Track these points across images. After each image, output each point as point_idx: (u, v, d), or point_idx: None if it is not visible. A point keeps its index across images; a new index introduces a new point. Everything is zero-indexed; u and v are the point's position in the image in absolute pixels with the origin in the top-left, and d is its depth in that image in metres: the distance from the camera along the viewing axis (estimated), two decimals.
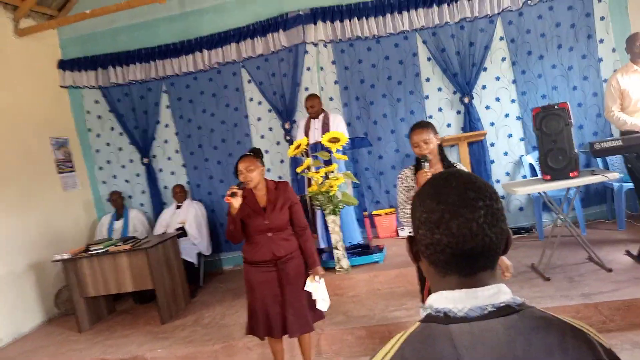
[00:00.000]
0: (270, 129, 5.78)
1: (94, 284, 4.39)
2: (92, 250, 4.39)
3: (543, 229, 4.86)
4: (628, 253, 3.82)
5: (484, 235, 0.79)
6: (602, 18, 4.90)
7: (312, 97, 4.90)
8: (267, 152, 5.73)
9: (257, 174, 2.90)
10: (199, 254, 5.34)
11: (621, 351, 2.80)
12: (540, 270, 3.83)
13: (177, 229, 5.24)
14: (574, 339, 0.75)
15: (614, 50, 4.90)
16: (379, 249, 4.72)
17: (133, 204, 6.02)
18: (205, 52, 5.67)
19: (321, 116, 4.90)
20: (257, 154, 3.01)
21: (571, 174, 3.62)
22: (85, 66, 5.90)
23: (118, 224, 5.58)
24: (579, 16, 4.93)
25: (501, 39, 5.12)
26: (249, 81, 5.74)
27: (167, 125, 5.94)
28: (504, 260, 2.30)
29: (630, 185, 4.30)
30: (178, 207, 5.55)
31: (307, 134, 4.90)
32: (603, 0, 4.88)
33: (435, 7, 5.13)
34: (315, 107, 4.84)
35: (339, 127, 4.86)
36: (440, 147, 2.66)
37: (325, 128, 4.83)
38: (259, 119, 5.79)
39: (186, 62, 5.72)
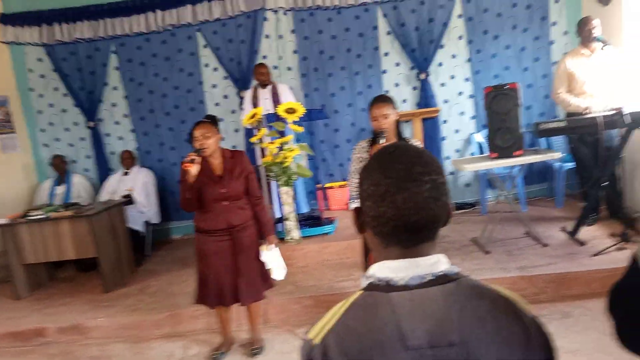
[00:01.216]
0: (226, 97, 5.64)
1: (33, 251, 4.21)
2: (32, 216, 4.20)
3: (487, 204, 5.05)
4: (563, 229, 4.03)
5: (428, 208, 0.81)
6: (556, 1, 5.03)
7: (263, 65, 4.86)
8: (221, 120, 5.57)
9: (214, 141, 2.86)
10: (147, 223, 5.21)
11: (551, 321, 2.97)
12: (481, 243, 3.99)
13: (124, 197, 5.08)
14: (504, 307, 0.80)
15: (565, 33, 5.04)
16: (330, 221, 4.76)
17: (77, 169, 5.77)
18: (159, 12, 5.40)
19: (269, 86, 4.85)
20: (213, 120, 2.96)
21: (516, 153, 3.74)
22: (28, 21, 5.49)
23: (60, 189, 5.34)
24: None
25: (459, 16, 5.16)
26: (205, 46, 5.54)
27: (115, 88, 5.67)
28: None
29: (571, 165, 4.51)
30: (125, 173, 5.36)
31: (255, 104, 4.83)
32: None
33: None
34: (266, 75, 4.80)
35: (288, 98, 4.84)
36: (397, 123, 2.69)
37: (275, 98, 4.80)
38: (214, 86, 5.63)
39: (138, 21, 5.44)
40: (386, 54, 5.36)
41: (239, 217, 2.91)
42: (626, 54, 4.06)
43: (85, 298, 4.14)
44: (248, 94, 4.98)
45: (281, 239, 4.46)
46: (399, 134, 2.67)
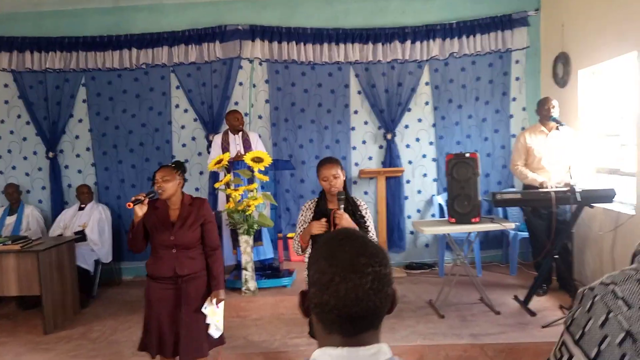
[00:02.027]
0: (193, 139, 5.62)
1: None
2: None
3: (444, 266, 5.12)
4: (516, 298, 4.12)
5: (368, 300, 0.83)
6: (517, 78, 5.36)
7: (237, 112, 4.92)
8: (186, 161, 5.56)
9: (172, 185, 2.80)
10: (97, 261, 5.00)
11: None
12: (436, 307, 4.01)
13: (76, 233, 4.89)
14: None
15: (524, 109, 5.35)
16: (289, 273, 4.71)
17: (30, 200, 5.54)
18: (135, 50, 5.43)
19: (241, 133, 4.90)
20: (178, 166, 2.92)
21: (473, 220, 3.86)
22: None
23: (10, 220, 5.09)
24: (497, 74, 5.35)
25: (427, 84, 5.41)
26: (178, 87, 5.56)
27: (80, 120, 5.57)
28: None
29: (525, 234, 4.67)
30: (81, 208, 5.18)
31: (225, 149, 4.84)
32: (520, 62, 5.34)
33: (370, 44, 5.34)
34: (240, 121, 4.85)
35: (257, 145, 4.89)
36: (345, 184, 2.75)
37: (246, 145, 4.82)
38: (182, 127, 5.62)
39: (112, 57, 5.44)
40: (356, 112, 5.52)
41: (186, 266, 2.80)
42: (580, 134, 4.33)
43: (24, 338, 3.88)
44: (218, 138, 4.98)
45: (237, 289, 4.37)
46: (345, 192, 2.72)
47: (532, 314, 3.77)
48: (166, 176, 2.77)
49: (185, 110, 5.60)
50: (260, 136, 5.20)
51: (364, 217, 2.69)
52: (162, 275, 2.78)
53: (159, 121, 5.58)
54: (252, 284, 4.36)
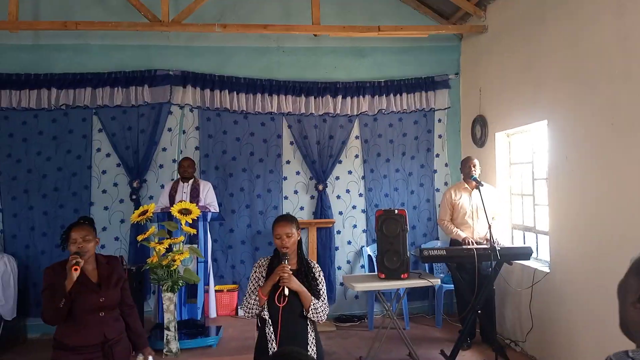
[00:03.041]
0: (115, 185, 5.33)
1: None
2: None
3: (374, 318, 5.13)
4: (442, 353, 4.19)
5: None
6: (440, 136, 5.67)
7: (189, 160, 4.80)
8: (106, 208, 5.24)
9: (93, 245, 2.66)
10: None
11: None
12: None
13: None
14: None
15: (446, 165, 5.66)
16: (215, 330, 4.47)
17: None
18: (54, 90, 5.12)
19: (191, 181, 4.75)
20: (91, 223, 2.74)
21: (402, 276, 3.94)
22: None
23: None
24: (422, 131, 5.63)
25: (357, 137, 5.58)
26: (100, 130, 5.29)
27: None
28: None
29: (450, 286, 4.83)
30: None
31: (172, 197, 4.66)
32: (442, 121, 5.68)
33: (303, 97, 5.45)
34: (190, 170, 4.73)
35: (208, 195, 4.75)
36: (300, 243, 2.69)
37: (195, 193, 4.66)
38: (104, 172, 5.31)
39: (28, 96, 5.08)
40: (288, 162, 5.53)
41: (114, 329, 2.64)
42: (499, 192, 4.62)
43: None
44: (168, 186, 4.81)
45: (158, 351, 4.07)
46: (300, 255, 2.66)
47: None
48: (87, 235, 2.61)
49: (108, 155, 5.32)
50: (215, 186, 5.02)
51: (316, 279, 2.61)
52: (86, 344, 2.54)
53: (77, 165, 5.24)
54: (174, 345, 4.08)
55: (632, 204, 2.99)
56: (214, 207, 4.73)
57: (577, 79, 3.53)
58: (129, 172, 5.29)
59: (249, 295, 2.60)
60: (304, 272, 2.58)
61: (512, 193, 4.80)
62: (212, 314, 4.89)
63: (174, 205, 4.23)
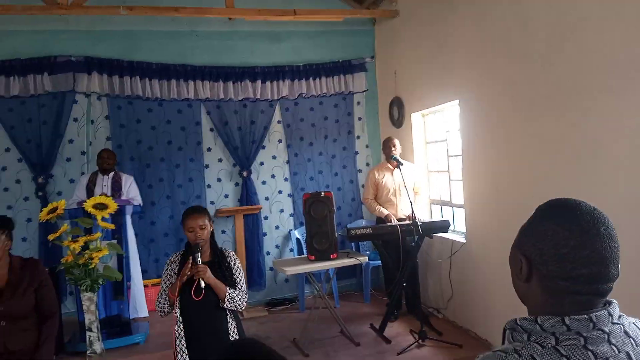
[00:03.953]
0: (18, 182, 4.88)
1: None
2: None
3: (305, 300, 5.21)
4: (372, 326, 4.37)
5: None
6: (359, 118, 5.81)
7: (109, 151, 4.61)
8: (9, 207, 4.80)
9: (2, 248, 2.42)
10: None
11: None
12: (300, 345, 4.04)
13: None
14: None
15: (367, 146, 5.81)
16: (141, 327, 4.30)
17: None
18: None
19: (111, 174, 4.50)
20: (5, 224, 2.51)
21: (332, 256, 4.03)
22: None
23: None
24: (342, 114, 5.73)
25: (279, 122, 5.55)
26: None
27: None
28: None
29: (376, 262, 5.03)
30: None
31: (91, 190, 4.38)
32: (361, 104, 5.81)
33: (221, 82, 5.31)
34: (110, 162, 4.52)
35: (131, 188, 4.57)
36: (212, 234, 2.64)
37: (116, 187, 4.41)
38: (4, 169, 4.84)
39: None
40: (209, 149, 5.38)
41: (19, 341, 2.46)
42: (417, 169, 4.84)
43: None
44: (84, 179, 4.52)
45: (81, 353, 3.83)
46: (213, 246, 2.62)
47: (388, 341, 4.03)
48: None
49: (7, 149, 4.87)
50: (135, 179, 4.75)
51: (231, 268, 2.58)
52: None
53: None
54: (97, 346, 3.84)
55: (533, 175, 3.28)
56: (138, 201, 4.54)
57: (483, 60, 3.77)
58: (32, 167, 4.88)
59: (161, 294, 2.54)
60: (217, 263, 2.55)
61: (429, 170, 5.06)
62: (143, 310, 4.70)
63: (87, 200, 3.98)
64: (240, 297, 2.51)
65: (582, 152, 2.88)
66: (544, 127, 3.17)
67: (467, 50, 3.99)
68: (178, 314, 2.48)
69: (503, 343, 0.91)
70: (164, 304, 2.51)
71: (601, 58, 2.70)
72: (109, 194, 4.33)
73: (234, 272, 2.58)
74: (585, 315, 0.83)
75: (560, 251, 0.85)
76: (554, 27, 3.03)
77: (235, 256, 2.67)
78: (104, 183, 4.49)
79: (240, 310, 2.61)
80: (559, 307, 0.86)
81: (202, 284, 2.40)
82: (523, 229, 0.94)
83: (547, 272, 0.87)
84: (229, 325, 2.52)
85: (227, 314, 2.53)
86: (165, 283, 2.57)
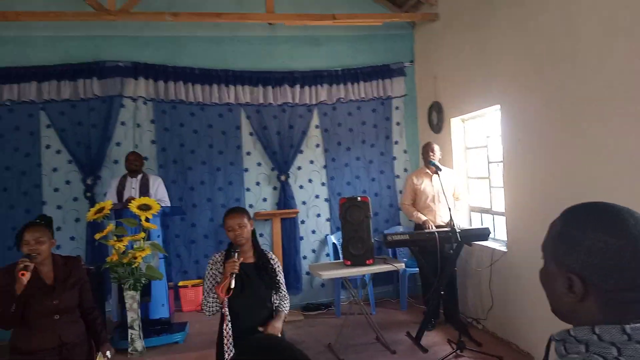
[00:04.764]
0: (68, 182, 5.11)
1: None
2: None
3: (340, 305, 5.20)
4: (408, 335, 4.31)
5: None
6: (397, 123, 5.76)
7: (136, 153, 4.67)
8: (59, 207, 5.02)
9: (47, 247, 2.55)
10: None
11: None
12: (335, 350, 4.03)
13: None
14: None
15: (405, 151, 5.75)
16: (181, 327, 4.41)
17: None
18: None
19: (139, 176, 4.60)
20: (48, 223, 2.63)
21: (368, 262, 4.00)
22: None
23: None
24: (380, 119, 5.70)
25: (317, 127, 5.58)
26: (49, 126, 5.05)
27: None
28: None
29: (413, 269, 4.96)
30: None
31: (120, 193, 4.50)
32: (399, 109, 5.76)
33: (260, 87, 5.38)
34: (137, 163, 4.59)
35: (158, 190, 4.62)
36: (254, 233, 2.67)
37: (144, 189, 4.52)
38: (54, 170, 5.08)
39: None
40: (248, 153, 5.47)
41: (71, 332, 2.55)
42: (456, 175, 4.75)
43: None
44: (115, 182, 4.65)
45: (123, 350, 3.96)
46: (255, 245, 2.65)
47: (425, 350, 3.96)
48: (41, 237, 2.51)
49: (58, 152, 5.09)
50: (174, 180, 4.90)
51: (275, 271, 2.62)
52: (42, 348, 2.47)
53: (26, 163, 4.99)
54: (139, 344, 3.99)
55: (579, 183, 3.15)
56: (166, 202, 4.60)
57: (527, 64, 3.66)
58: (81, 169, 5.09)
59: (207, 293, 2.56)
60: (262, 265, 2.58)
61: (469, 176, 4.95)
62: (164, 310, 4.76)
63: (131, 202, 4.11)
64: (285, 304, 2.64)
65: (634, 158, 2.75)
66: (592, 133, 3.04)
67: (510, 54, 3.89)
68: (227, 313, 2.48)
69: (546, 355, 0.87)
70: (212, 303, 2.52)
71: None
72: (137, 196, 4.40)
73: (277, 274, 2.61)
74: None
75: (619, 263, 0.81)
76: (604, 31, 2.92)
77: (276, 259, 2.70)
78: (132, 185, 4.58)
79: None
80: (622, 317, 0.81)
81: (232, 284, 2.42)
82: (556, 245, 0.89)
83: (610, 286, 0.82)
84: None
85: (272, 314, 2.59)
86: (209, 282, 2.58)
